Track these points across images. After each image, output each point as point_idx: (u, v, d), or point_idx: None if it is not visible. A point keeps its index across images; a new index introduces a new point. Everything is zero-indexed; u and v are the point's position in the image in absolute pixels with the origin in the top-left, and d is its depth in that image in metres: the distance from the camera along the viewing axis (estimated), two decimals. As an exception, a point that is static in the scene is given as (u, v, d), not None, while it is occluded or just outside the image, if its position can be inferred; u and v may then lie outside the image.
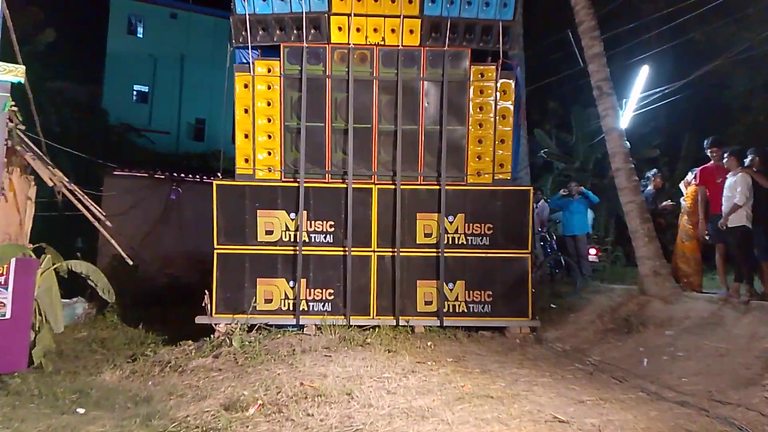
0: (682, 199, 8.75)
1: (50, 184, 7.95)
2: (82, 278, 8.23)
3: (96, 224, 8.27)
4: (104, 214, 8.46)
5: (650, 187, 9.48)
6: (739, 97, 14.63)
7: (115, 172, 13.15)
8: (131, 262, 8.71)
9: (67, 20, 19.33)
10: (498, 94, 8.41)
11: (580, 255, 10.90)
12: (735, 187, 7.10)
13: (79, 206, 8.17)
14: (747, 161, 7.32)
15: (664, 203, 9.47)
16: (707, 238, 7.99)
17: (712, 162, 7.97)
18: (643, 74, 12.12)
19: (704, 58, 10.94)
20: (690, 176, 8.73)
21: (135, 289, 11.17)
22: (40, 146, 8.36)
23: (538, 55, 15.12)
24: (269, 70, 8.25)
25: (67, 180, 8.16)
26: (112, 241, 8.38)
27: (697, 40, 12.92)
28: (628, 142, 8.85)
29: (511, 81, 8.46)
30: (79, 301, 10.15)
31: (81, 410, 5.33)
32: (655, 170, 9.96)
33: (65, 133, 13.94)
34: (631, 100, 12.08)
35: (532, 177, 13.82)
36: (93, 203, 8.39)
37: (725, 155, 7.48)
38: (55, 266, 7.73)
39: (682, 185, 8.88)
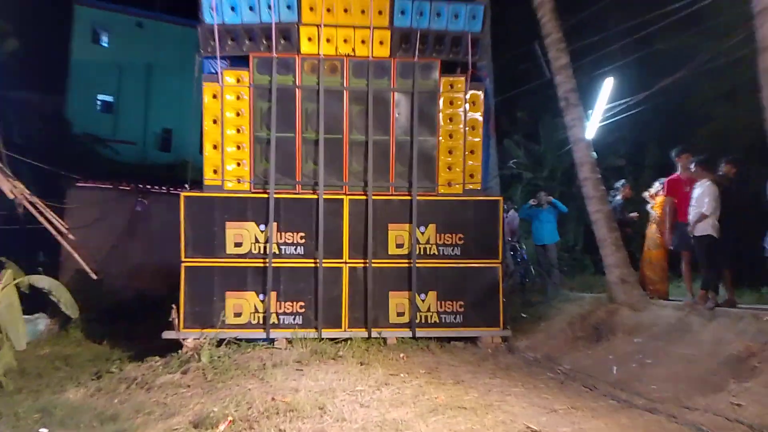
0: (650, 208, 8.90)
1: (11, 196, 7.72)
2: (44, 293, 7.99)
3: (58, 237, 8.06)
4: (67, 227, 8.25)
5: (619, 197, 9.63)
6: (702, 106, 15.00)
7: (79, 184, 12.86)
8: (95, 276, 8.50)
9: (30, 29, 18.93)
10: (468, 105, 8.48)
11: (550, 264, 11.02)
12: (703, 197, 7.22)
13: (41, 219, 7.95)
14: (721, 170, 7.44)
15: (631, 214, 9.62)
16: (672, 247, 8.15)
17: (678, 172, 8.12)
18: (607, 86, 12.37)
19: (668, 69, 11.18)
20: (657, 186, 8.90)
21: (100, 303, 10.90)
22: (1, 158, 8.13)
23: (506, 66, 15.31)
24: (238, 80, 8.18)
25: (28, 192, 7.94)
26: (75, 255, 8.16)
27: (660, 51, 13.23)
28: (594, 152, 8.99)
29: (480, 92, 8.54)
30: (41, 317, 9.86)
31: (44, 430, 5.16)
32: (623, 180, 10.11)
33: (27, 144, 13.60)
34: (597, 111, 12.30)
35: (502, 187, 13.95)
36: (55, 216, 8.17)
37: (692, 165, 7.62)
38: (16, 281, 7.49)
39: (645, 194, 9.04)
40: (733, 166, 7.43)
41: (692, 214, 7.37)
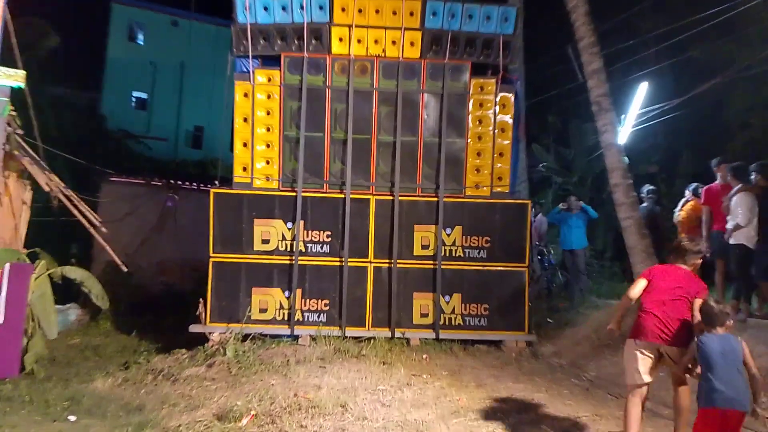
0: (677, 213, 8.76)
1: (46, 189, 7.92)
2: (76, 284, 8.17)
3: (91, 230, 8.23)
4: (100, 220, 8.42)
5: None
6: (738, 114, 14.69)
7: (112, 178, 13.09)
8: (126, 269, 8.66)
9: (68, 26, 19.36)
10: (497, 107, 8.42)
11: (578, 270, 10.87)
12: (737, 207, 7.03)
13: (75, 212, 8.13)
14: (752, 178, 7.26)
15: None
16: (708, 255, 7.95)
17: (717, 181, 7.93)
18: (642, 91, 12.19)
19: (703, 76, 11.00)
20: (688, 194, 8.75)
21: (129, 296, 11.09)
22: (38, 151, 8.33)
23: (538, 69, 15.19)
24: (269, 80, 8.25)
25: (63, 185, 8.13)
26: (107, 248, 8.33)
27: (696, 57, 12.99)
28: (626, 158, 8.86)
29: (510, 95, 8.48)
30: (72, 308, 10.07)
31: (72, 418, 5.28)
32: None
33: (63, 138, 13.88)
34: (630, 116, 12.13)
35: (531, 191, 13.82)
36: (89, 209, 8.35)
37: (728, 173, 7.43)
38: (49, 272, 7.67)
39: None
40: (763, 177, 7.19)
41: (729, 224, 7.20)
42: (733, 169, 7.34)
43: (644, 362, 4.44)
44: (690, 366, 4.27)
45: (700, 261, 4.86)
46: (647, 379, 4.43)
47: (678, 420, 4.49)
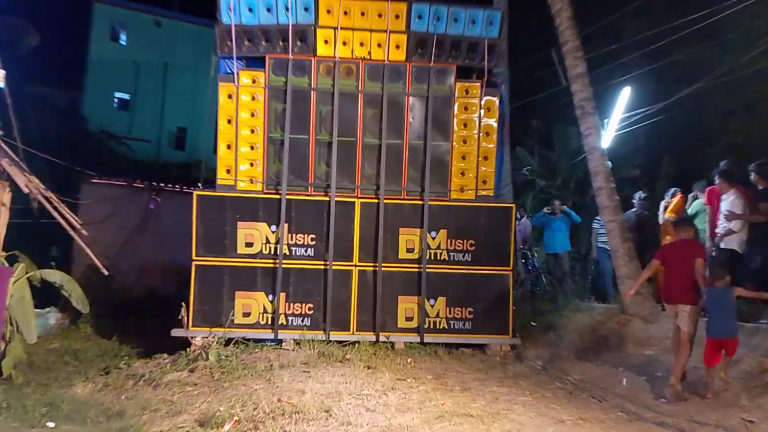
0: (663, 214, 8.81)
1: (26, 191, 7.76)
2: (56, 288, 8.03)
3: (71, 233, 8.09)
4: (80, 222, 8.28)
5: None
6: (719, 119, 14.88)
7: (94, 180, 12.91)
8: (107, 272, 8.53)
9: (50, 25, 19.14)
10: (482, 110, 8.44)
11: (562, 273, 10.94)
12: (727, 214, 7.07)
13: (55, 214, 7.98)
14: (751, 178, 7.21)
15: None
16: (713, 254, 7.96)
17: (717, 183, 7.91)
18: (624, 95, 12.26)
19: (685, 80, 11.11)
20: (667, 198, 8.84)
21: (110, 299, 10.95)
22: (18, 152, 8.19)
23: (522, 73, 15.26)
24: (254, 81, 8.20)
25: (43, 187, 7.98)
26: (88, 251, 8.18)
27: (678, 62, 13.13)
28: (610, 162, 8.93)
29: (495, 98, 8.50)
30: (52, 311, 9.91)
31: (51, 424, 5.19)
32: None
33: (44, 139, 13.69)
34: (613, 120, 12.21)
35: (515, 194, 13.88)
36: (69, 211, 8.20)
37: (715, 177, 7.40)
38: (28, 275, 7.53)
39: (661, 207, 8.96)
40: (761, 176, 7.09)
41: (720, 228, 7.23)
42: (723, 173, 7.30)
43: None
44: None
45: (692, 229, 6.61)
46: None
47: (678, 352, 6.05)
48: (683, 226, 6.51)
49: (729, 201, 7.10)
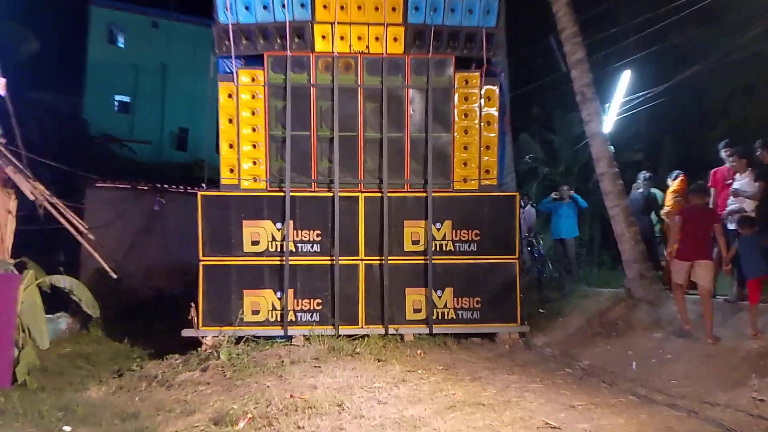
0: (668, 199, 8.79)
1: (31, 197, 7.81)
2: (65, 293, 8.09)
3: (78, 237, 8.14)
4: (86, 226, 8.33)
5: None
6: (718, 101, 14.84)
7: (97, 184, 12.97)
8: (115, 275, 8.59)
9: (48, 31, 19.11)
10: (483, 100, 8.44)
11: (568, 259, 10.94)
12: (744, 193, 7.04)
13: (61, 219, 8.03)
14: (758, 154, 7.15)
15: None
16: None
17: (726, 165, 7.88)
18: (625, 79, 12.22)
19: (684, 63, 11.06)
20: (670, 182, 8.80)
21: (119, 302, 11.01)
22: (21, 159, 8.23)
23: (521, 61, 15.20)
24: (253, 80, 8.21)
25: (48, 193, 8.03)
26: (95, 254, 8.24)
27: (676, 45, 13.08)
28: (612, 147, 8.91)
29: (495, 88, 8.49)
30: (62, 316, 9.97)
31: (67, 428, 5.25)
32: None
33: (46, 144, 13.73)
34: (614, 105, 12.18)
35: (518, 182, 13.86)
36: (75, 216, 8.25)
37: (729, 156, 7.40)
38: (38, 281, 7.59)
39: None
40: None
41: (729, 208, 7.21)
42: (738, 152, 7.29)
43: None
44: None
45: (707, 197, 7.28)
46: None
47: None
48: (698, 193, 7.09)
49: (744, 182, 7.08)
